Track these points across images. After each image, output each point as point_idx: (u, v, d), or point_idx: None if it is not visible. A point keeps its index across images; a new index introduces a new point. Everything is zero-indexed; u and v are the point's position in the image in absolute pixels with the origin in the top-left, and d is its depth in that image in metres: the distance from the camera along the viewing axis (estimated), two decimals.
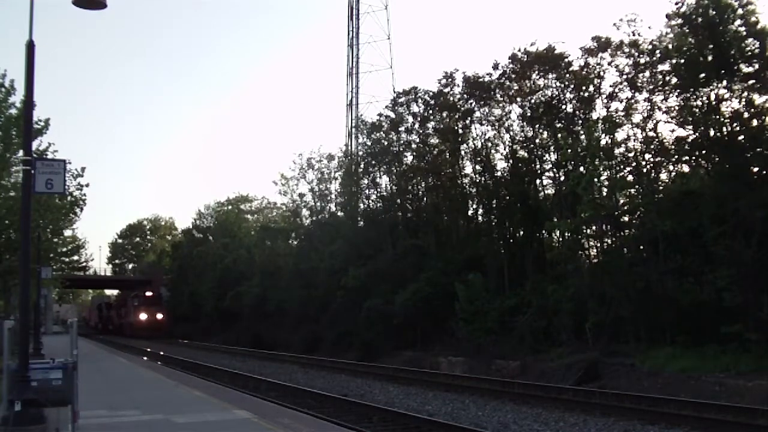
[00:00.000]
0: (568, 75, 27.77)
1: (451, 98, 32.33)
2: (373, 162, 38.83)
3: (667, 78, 22.54)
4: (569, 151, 26.48)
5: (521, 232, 31.05)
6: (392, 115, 36.32)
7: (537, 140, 29.67)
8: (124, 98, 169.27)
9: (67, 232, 35.44)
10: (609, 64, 25.86)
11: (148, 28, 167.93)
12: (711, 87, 20.75)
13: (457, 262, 30.78)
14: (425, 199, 37.40)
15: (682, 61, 21.13)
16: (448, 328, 28.86)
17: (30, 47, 9.40)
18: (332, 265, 38.64)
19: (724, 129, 20.79)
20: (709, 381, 17.11)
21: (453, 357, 26.72)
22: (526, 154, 30.31)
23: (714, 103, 20.91)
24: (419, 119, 34.89)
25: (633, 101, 24.51)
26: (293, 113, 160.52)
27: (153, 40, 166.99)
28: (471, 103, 31.62)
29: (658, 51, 22.82)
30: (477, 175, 33.39)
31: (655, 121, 23.77)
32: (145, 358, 35.47)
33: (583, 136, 25.97)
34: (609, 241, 26.17)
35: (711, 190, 20.52)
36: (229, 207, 74.49)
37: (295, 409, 14.94)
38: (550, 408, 15.97)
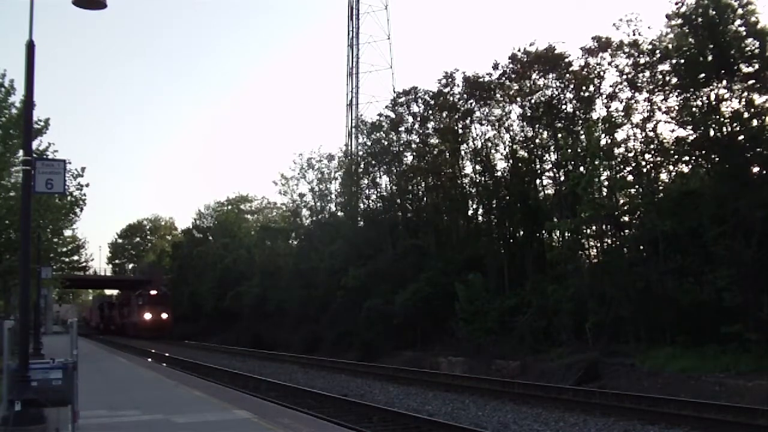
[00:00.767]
0: (568, 75, 27.79)
1: (451, 98, 32.34)
2: (373, 162, 38.85)
3: (667, 78, 22.55)
4: (569, 151, 26.50)
5: (521, 232, 31.06)
6: (392, 115, 36.35)
7: (537, 140, 29.67)
8: (124, 98, 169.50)
9: (67, 232, 35.46)
10: (609, 64, 25.92)
11: (148, 28, 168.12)
12: (711, 87, 20.75)
13: (457, 262, 30.79)
14: (425, 199, 37.41)
15: (682, 61, 21.13)
16: (448, 328, 28.86)
17: (30, 47, 9.40)
18: (332, 265, 38.64)
19: (724, 129, 20.79)
20: (709, 381, 17.10)
21: (453, 357, 26.72)
22: (526, 154, 30.32)
23: (714, 103, 20.91)
24: (419, 119, 34.91)
25: (633, 101, 24.53)
26: (293, 113, 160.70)
27: (153, 40, 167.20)
28: (471, 103, 31.64)
29: (658, 51, 22.82)
30: (477, 175, 33.43)
31: (655, 121, 23.80)
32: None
33: (583, 136, 25.99)
34: (609, 241, 26.18)
35: (711, 190, 20.52)
36: (229, 207, 74.50)
37: (295, 409, 14.93)
38: (550, 408, 15.97)
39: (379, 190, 40.32)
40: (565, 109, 28.41)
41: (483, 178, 32.91)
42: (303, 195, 49.40)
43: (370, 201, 41.72)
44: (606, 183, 25.13)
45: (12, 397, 8.49)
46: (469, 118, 32.04)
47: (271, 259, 50.87)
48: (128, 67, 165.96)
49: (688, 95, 21.54)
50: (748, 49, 19.84)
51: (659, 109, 23.28)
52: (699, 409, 14.29)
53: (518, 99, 29.69)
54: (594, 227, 25.70)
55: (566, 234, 26.19)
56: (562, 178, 28.18)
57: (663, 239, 22.01)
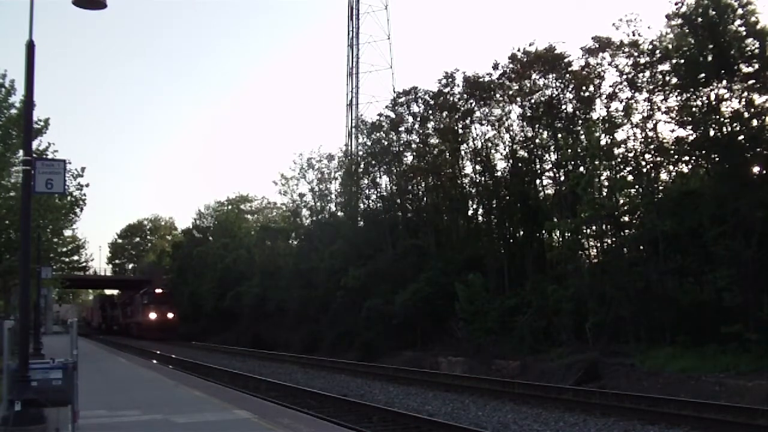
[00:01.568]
0: (568, 75, 27.80)
1: (451, 98, 32.35)
2: (373, 162, 38.84)
3: (667, 78, 22.54)
4: (569, 151, 26.50)
5: (521, 232, 31.07)
6: (392, 115, 36.34)
7: (537, 140, 29.67)
8: (124, 98, 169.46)
9: (67, 232, 35.44)
10: (609, 64, 25.91)
11: (148, 28, 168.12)
12: (711, 87, 20.74)
13: (457, 262, 30.79)
14: (425, 199, 37.41)
15: (682, 61, 21.13)
16: (448, 328, 28.86)
17: (30, 47, 9.39)
18: (332, 265, 38.64)
19: (724, 129, 20.78)
20: (709, 381, 17.10)
21: (453, 357, 26.72)
22: (526, 154, 30.32)
23: (714, 103, 20.91)
24: (419, 119, 34.92)
25: (633, 101, 24.51)
26: (293, 113, 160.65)
27: (153, 40, 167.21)
28: (471, 103, 31.64)
29: (658, 51, 22.82)
30: (477, 175, 33.43)
31: (655, 121, 23.80)
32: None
33: (583, 136, 25.98)
34: (609, 241, 26.18)
35: (711, 190, 20.52)
36: (229, 207, 74.43)
37: (295, 409, 14.93)
38: (550, 408, 15.97)
39: (379, 190, 40.35)
40: (565, 109, 28.42)
41: (483, 178, 32.92)
42: (303, 195, 49.44)
43: (370, 201, 41.75)
44: (606, 183, 25.14)
45: (12, 397, 8.49)
46: (469, 118, 32.04)
47: (271, 259, 50.86)
48: (128, 67, 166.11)
49: (688, 95, 21.54)
50: (748, 49, 19.84)
51: (659, 109, 23.30)
52: (699, 409, 14.29)
53: (518, 99, 29.70)
54: (594, 227, 25.70)
55: (566, 234, 26.19)
56: (562, 178, 28.18)
57: (663, 239, 22.01)
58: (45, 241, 27.93)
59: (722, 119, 20.80)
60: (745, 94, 20.21)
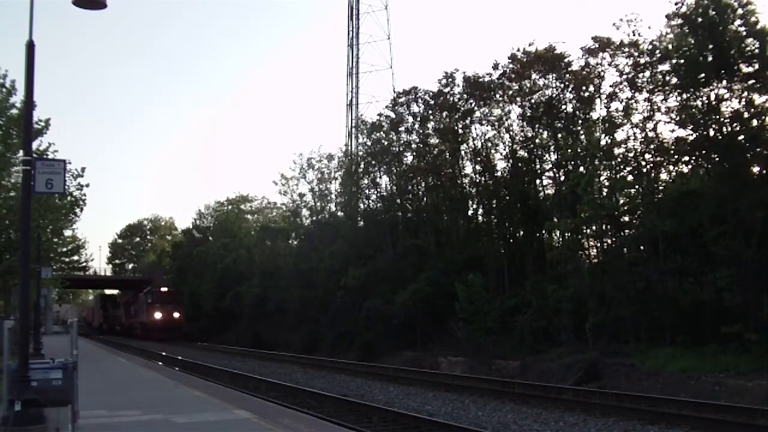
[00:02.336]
0: (568, 75, 27.78)
1: (451, 98, 32.35)
2: (373, 162, 38.84)
3: (667, 78, 22.53)
4: (569, 151, 26.50)
5: (521, 232, 31.06)
6: (392, 115, 36.34)
7: (537, 140, 29.67)
8: (124, 98, 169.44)
9: (67, 232, 35.43)
10: (609, 64, 25.89)
11: (148, 28, 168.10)
12: (711, 87, 20.74)
13: (457, 262, 30.79)
14: (425, 199, 37.41)
15: (682, 61, 21.12)
16: (448, 328, 28.86)
17: (30, 47, 9.39)
18: (332, 265, 38.64)
19: (724, 129, 20.78)
20: (709, 381, 17.10)
21: (453, 357, 26.72)
22: (526, 154, 30.31)
23: (714, 103, 20.91)
24: (419, 119, 34.91)
25: (633, 101, 24.51)
26: (293, 113, 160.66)
27: (153, 40, 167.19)
28: (471, 103, 31.64)
29: (658, 51, 22.81)
30: (477, 175, 33.42)
31: (655, 122, 23.78)
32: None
33: (583, 136, 25.99)
34: (609, 241, 26.18)
35: (711, 190, 20.51)
36: (229, 207, 74.42)
37: (295, 409, 14.94)
38: (550, 408, 15.97)
39: (379, 190, 40.34)
40: (565, 109, 28.41)
41: (483, 178, 32.91)
42: (303, 195, 49.44)
43: (370, 201, 41.74)
44: (606, 183, 25.13)
45: (12, 397, 8.49)
46: (469, 118, 32.04)
47: (271, 259, 50.85)
48: (128, 67, 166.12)
49: (688, 95, 21.53)
50: (748, 49, 19.84)
51: (659, 109, 23.28)
52: (699, 409, 14.29)
53: (518, 99, 29.69)
54: (594, 227, 25.70)
55: (566, 234, 26.19)
56: (562, 178, 28.18)
57: (663, 239, 22.01)
58: (45, 241, 27.93)
59: (722, 119, 20.79)
60: (745, 94, 20.21)
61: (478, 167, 33.02)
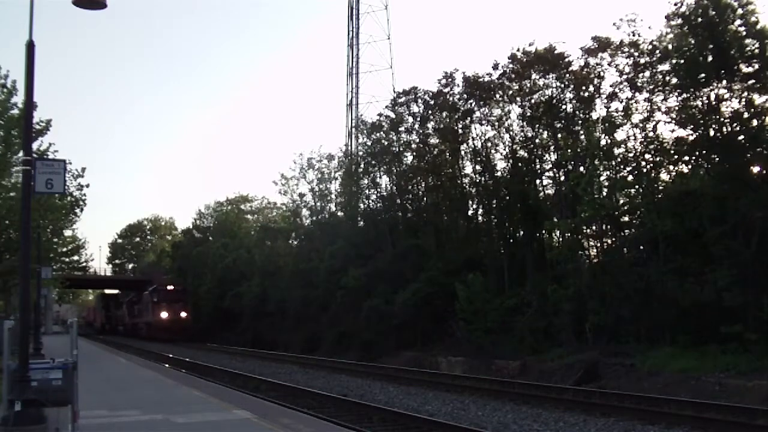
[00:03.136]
0: (568, 75, 27.78)
1: (451, 98, 32.34)
2: (373, 162, 38.85)
3: (667, 78, 22.53)
4: (569, 151, 26.51)
5: (521, 232, 31.05)
6: (392, 115, 36.35)
7: (537, 140, 29.66)
8: (124, 98, 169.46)
9: (67, 232, 35.40)
10: (609, 64, 25.88)
11: (149, 28, 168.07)
12: (711, 87, 20.73)
13: (457, 262, 30.77)
14: (425, 199, 37.41)
15: (682, 61, 21.11)
16: (448, 328, 28.87)
17: (30, 47, 9.38)
18: (332, 265, 38.64)
19: (724, 129, 20.78)
20: (709, 381, 17.09)
21: (453, 357, 26.72)
22: (526, 154, 30.31)
23: (714, 103, 20.90)
24: (419, 119, 34.92)
25: (633, 101, 24.50)
26: (293, 113, 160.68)
27: (153, 40, 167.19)
28: (471, 103, 31.63)
29: (658, 51, 22.82)
30: (477, 175, 33.41)
31: (655, 122, 23.77)
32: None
33: (583, 136, 25.98)
34: (609, 241, 26.17)
35: (711, 190, 20.50)
36: (229, 207, 74.42)
37: (295, 409, 14.94)
38: (550, 408, 15.97)
39: (379, 190, 40.34)
40: (565, 109, 28.41)
41: (483, 178, 32.90)
42: (303, 195, 49.41)
43: (370, 201, 41.73)
44: (606, 183, 25.12)
45: (12, 397, 8.48)
46: (469, 118, 32.03)
47: (271, 259, 50.84)
48: (128, 68, 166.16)
49: (688, 95, 21.52)
50: (748, 49, 19.83)
51: (659, 109, 23.27)
52: (699, 409, 14.29)
53: (518, 99, 29.69)
54: (594, 227, 25.69)
55: (566, 234, 26.19)
56: (562, 178, 28.18)
57: (663, 239, 22.00)
58: (45, 241, 27.90)
59: (722, 119, 20.79)
60: (745, 94, 20.20)
61: (478, 167, 33.03)
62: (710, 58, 20.27)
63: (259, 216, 72.27)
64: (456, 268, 30.08)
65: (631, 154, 24.90)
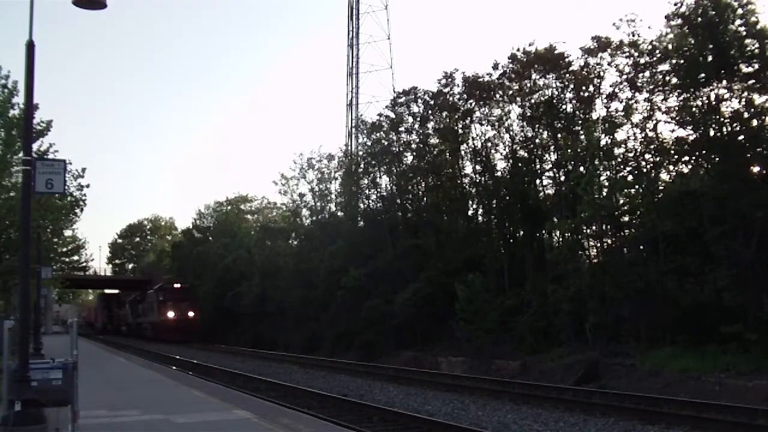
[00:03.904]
0: (568, 75, 27.79)
1: (451, 98, 32.34)
2: (373, 162, 38.84)
3: (667, 78, 22.53)
4: (569, 151, 26.51)
5: (521, 232, 31.06)
6: (392, 115, 36.33)
7: (537, 140, 29.67)
8: (124, 99, 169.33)
9: (68, 232, 35.42)
10: (609, 64, 25.93)
11: (148, 30, 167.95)
12: (711, 87, 20.73)
13: (457, 262, 30.78)
14: (425, 199, 37.41)
15: (682, 61, 21.13)
16: (448, 328, 28.88)
17: (30, 47, 9.38)
18: (332, 265, 38.65)
19: (724, 129, 20.78)
20: (709, 381, 17.10)
21: (453, 357, 26.72)
22: (526, 154, 30.32)
23: (714, 103, 20.91)
24: (419, 119, 34.92)
25: (633, 101, 24.51)
26: (293, 113, 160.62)
27: (153, 41, 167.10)
28: (471, 103, 31.64)
29: (658, 51, 22.80)
30: (477, 175, 33.42)
31: (655, 122, 23.79)
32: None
33: (583, 136, 25.98)
34: (609, 241, 26.17)
35: (711, 190, 20.50)
36: (229, 207, 74.39)
37: (295, 409, 14.94)
38: (550, 408, 15.97)
39: (379, 190, 40.33)
40: (565, 109, 28.42)
41: (483, 178, 32.91)
42: (303, 195, 49.37)
43: (370, 201, 41.73)
44: (606, 183, 25.12)
45: (12, 397, 8.49)
46: (469, 118, 32.04)
47: (271, 259, 50.82)
48: (128, 69, 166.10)
49: (688, 95, 21.53)
50: (748, 49, 19.84)
51: (659, 109, 23.28)
52: (699, 409, 14.29)
53: (518, 99, 29.70)
54: (594, 227, 25.69)
55: (566, 234, 26.19)
56: (562, 178, 28.19)
57: (663, 239, 22.00)
58: (45, 241, 27.91)
59: (722, 119, 20.80)
60: (745, 94, 20.20)
61: (478, 167, 33.04)
62: (710, 58, 20.28)
63: (259, 216, 72.22)
64: (456, 268, 30.08)
65: (631, 154, 24.92)
